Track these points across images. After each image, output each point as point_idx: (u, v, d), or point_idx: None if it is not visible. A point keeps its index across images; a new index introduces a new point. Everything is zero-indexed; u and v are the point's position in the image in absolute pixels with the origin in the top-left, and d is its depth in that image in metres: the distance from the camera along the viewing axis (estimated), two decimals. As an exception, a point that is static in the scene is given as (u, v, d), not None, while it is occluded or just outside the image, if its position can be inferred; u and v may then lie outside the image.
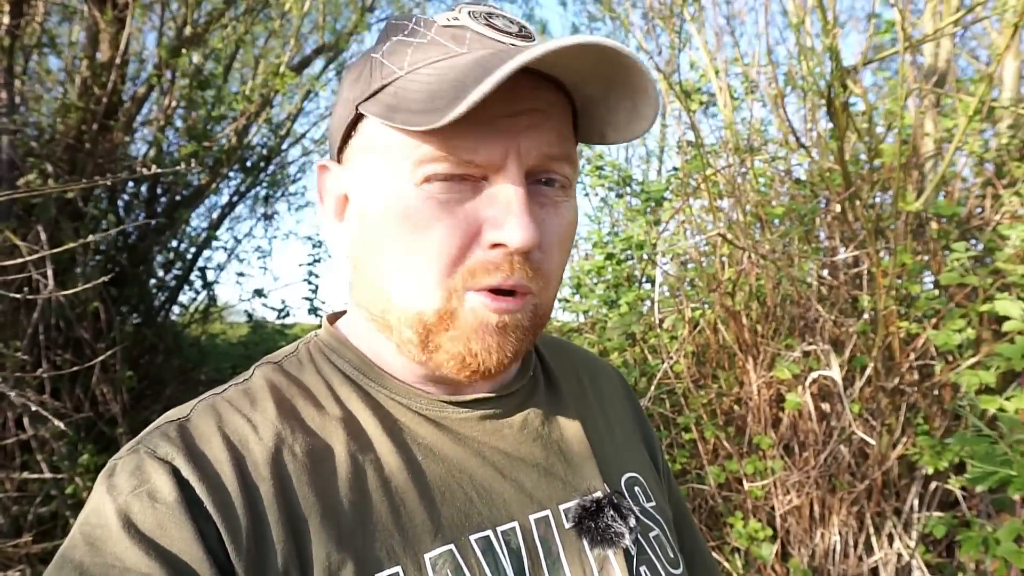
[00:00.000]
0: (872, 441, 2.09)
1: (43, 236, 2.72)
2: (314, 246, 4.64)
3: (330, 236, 0.65)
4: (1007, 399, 1.34)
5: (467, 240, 0.56)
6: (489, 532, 0.58)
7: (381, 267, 0.59)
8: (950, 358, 2.03)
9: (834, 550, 2.18)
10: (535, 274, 0.57)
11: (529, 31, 0.60)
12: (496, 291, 0.56)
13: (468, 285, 0.56)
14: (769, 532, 2.16)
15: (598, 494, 0.64)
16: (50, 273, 2.63)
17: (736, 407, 2.51)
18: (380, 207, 0.58)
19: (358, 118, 0.60)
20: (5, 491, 2.67)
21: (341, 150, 0.63)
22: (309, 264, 4.54)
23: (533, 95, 0.56)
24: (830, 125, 2.22)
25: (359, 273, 0.62)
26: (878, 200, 2.30)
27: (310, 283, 4.56)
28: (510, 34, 0.58)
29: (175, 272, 4.64)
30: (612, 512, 0.63)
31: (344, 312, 0.71)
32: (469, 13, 0.59)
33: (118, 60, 3.41)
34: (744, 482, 2.26)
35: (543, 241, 0.57)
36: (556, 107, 0.58)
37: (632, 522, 0.64)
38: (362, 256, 0.61)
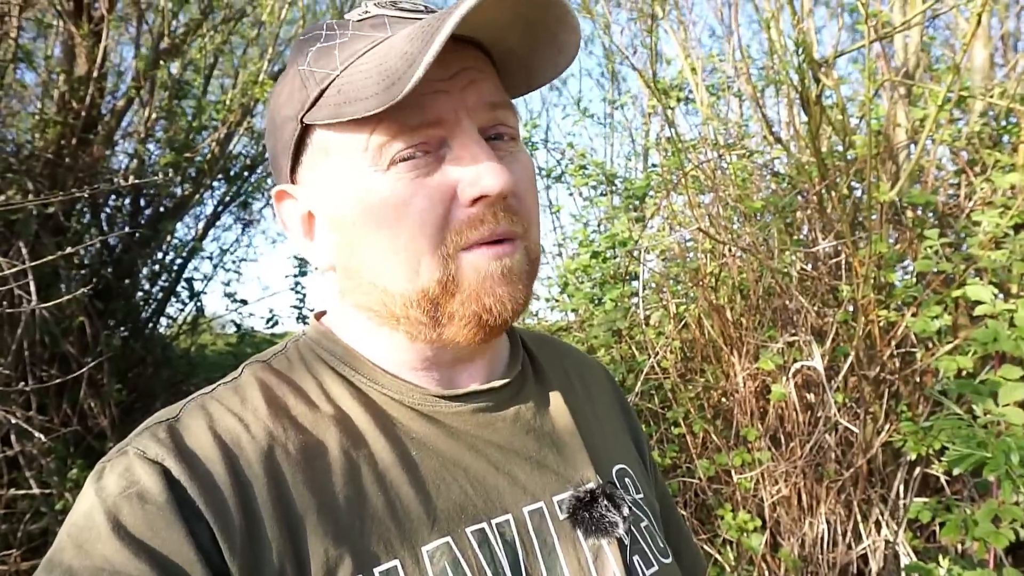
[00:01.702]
0: (856, 429, 2.11)
1: (24, 251, 2.71)
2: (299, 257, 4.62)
3: (307, 257, 0.66)
4: (980, 382, 1.36)
5: (446, 205, 0.57)
6: (484, 524, 0.58)
7: (372, 262, 0.59)
8: (930, 344, 2.06)
9: (823, 538, 2.20)
10: (517, 218, 0.59)
11: (432, 7, 0.62)
12: (487, 243, 0.58)
13: (459, 246, 0.57)
14: (758, 523, 2.18)
15: (591, 485, 0.65)
16: (33, 288, 2.61)
17: (723, 400, 2.53)
18: (354, 206, 0.58)
19: (304, 133, 0.61)
20: (-6, 509, 2.66)
21: (293, 170, 0.63)
22: (296, 275, 4.52)
23: (459, 57, 0.58)
24: (806, 118, 2.24)
25: (350, 278, 0.62)
26: (855, 190, 2.32)
27: (297, 292, 4.55)
28: (420, 11, 0.60)
29: (161, 284, 4.62)
30: (606, 502, 0.64)
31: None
32: (375, 3, 0.61)
33: (95, 74, 3.39)
34: (733, 474, 2.28)
35: (514, 188, 0.59)
36: (482, 62, 0.60)
37: (626, 511, 0.65)
38: (349, 260, 0.61)
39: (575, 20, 0.56)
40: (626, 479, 0.71)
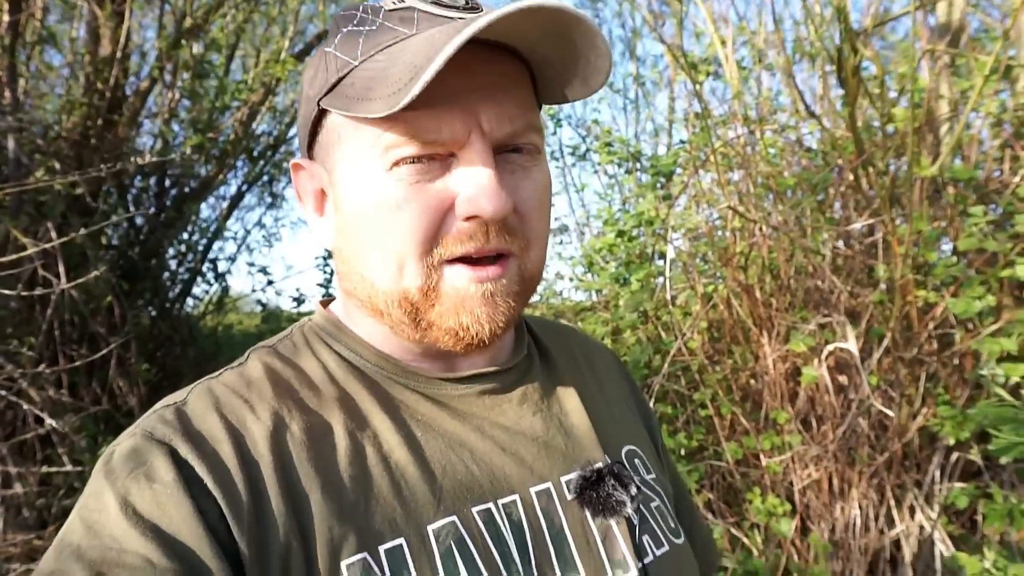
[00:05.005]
0: (891, 413, 2.05)
1: (53, 233, 2.73)
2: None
3: (315, 230, 0.67)
4: (1030, 366, 1.30)
5: (440, 215, 0.57)
6: (491, 504, 0.59)
7: (362, 254, 0.60)
8: (970, 326, 1.99)
9: (854, 524, 2.16)
10: (513, 237, 0.59)
11: (476, 2, 0.60)
12: (474, 261, 0.58)
13: (444, 257, 0.57)
14: (788, 507, 2.14)
15: (599, 464, 0.65)
16: (62, 269, 2.64)
17: (752, 382, 2.48)
18: (354, 197, 0.59)
19: (321, 114, 0.61)
20: (29, 485, 2.71)
21: (311, 147, 0.65)
22: (325, 255, 4.51)
23: (488, 68, 0.57)
24: (841, 92, 2.16)
25: (344, 263, 0.63)
26: (892, 167, 2.24)
27: (324, 271, 4.55)
28: (457, 8, 0.58)
29: (187, 264, 4.66)
30: (613, 481, 0.64)
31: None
32: None
33: (119, 54, 3.40)
34: (762, 457, 2.24)
35: (518, 205, 0.59)
36: (512, 77, 0.59)
37: (633, 490, 0.65)
38: (344, 246, 0.62)
39: (605, 45, 0.55)
40: (636, 460, 0.71)
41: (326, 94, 0.59)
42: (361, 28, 0.59)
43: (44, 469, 2.71)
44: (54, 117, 3.65)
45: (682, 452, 2.49)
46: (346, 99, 0.56)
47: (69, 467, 2.75)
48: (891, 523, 2.15)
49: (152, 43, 3.77)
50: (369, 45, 0.57)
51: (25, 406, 2.39)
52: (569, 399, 0.70)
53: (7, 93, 2.97)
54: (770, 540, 2.23)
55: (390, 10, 0.59)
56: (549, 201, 0.63)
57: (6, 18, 2.94)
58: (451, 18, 0.57)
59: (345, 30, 0.60)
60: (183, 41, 3.66)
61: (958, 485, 2.02)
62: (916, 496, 2.11)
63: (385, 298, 0.59)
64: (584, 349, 0.81)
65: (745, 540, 2.24)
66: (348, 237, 0.61)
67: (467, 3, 0.59)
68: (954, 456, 2.08)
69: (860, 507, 2.15)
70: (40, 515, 2.75)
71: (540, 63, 0.60)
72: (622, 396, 0.80)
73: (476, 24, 0.49)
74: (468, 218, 0.56)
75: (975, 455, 1.94)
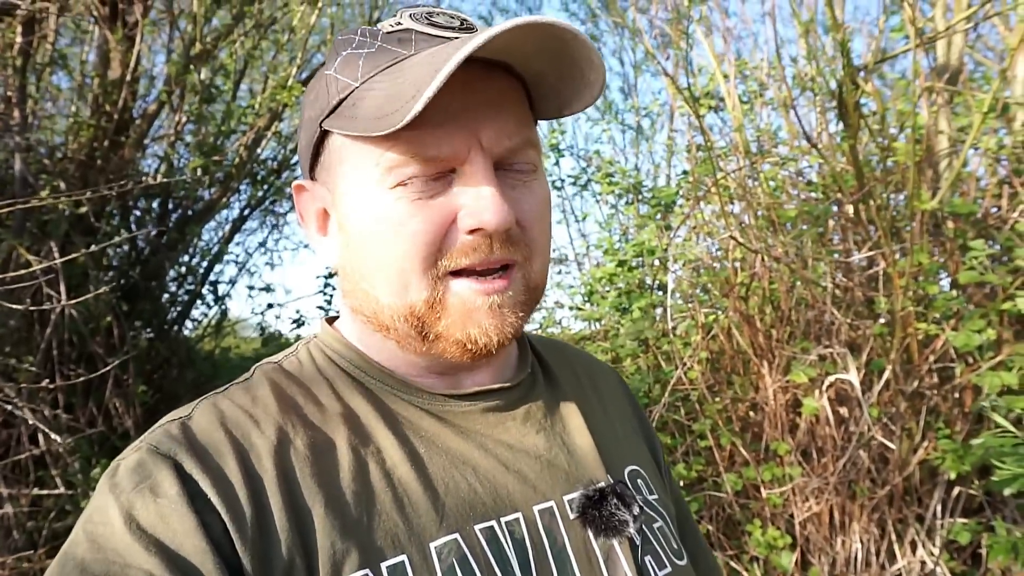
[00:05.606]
0: (892, 446, 2.05)
1: (56, 251, 2.74)
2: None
3: (318, 251, 0.68)
4: (1032, 399, 1.30)
5: (443, 230, 0.58)
6: (493, 523, 0.59)
7: (367, 271, 0.61)
8: (970, 360, 1.99)
9: (855, 558, 2.13)
10: (516, 247, 0.60)
11: (471, 23, 0.62)
12: (480, 273, 0.59)
13: (449, 268, 0.58)
14: (788, 540, 2.12)
15: (601, 484, 0.65)
16: (63, 288, 2.64)
17: (752, 413, 2.47)
18: (358, 215, 0.60)
19: (324, 135, 0.63)
20: (20, 506, 2.68)
21: (313, 168, 0.66)
22: (326, 276, 4.52)
23: (485, 85, 0.58)
24: (841, 126, 2.20)
25: (349, 280, 0.64)
26: (892, 201, 2.26)
27: (325, 294, 4.54)
28: (453, 28, 0.60)
29: (187, 287, 4.66)
30: (616, 500, 0.64)
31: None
32: (411, 16, 0.61)
33: (128, 78, 3.44)
34: (762, 489, 2.22)
35: (520, 218, 0.60)
36: (509, 93, 0.60)
37: (636, 510, 0.65)
38: (348, 264, 0.63)
39: (599, 59, 0.57)
40: (639, 480, 0.71)
41: (328, 115, 0.60)
42: (360, 51, 0.60)
43: (36, 491, 2.68)
44: (61, 138, 3.68)
45: (681, 483, 2.47)
46: (348, 120, 0.58)
47: (62, 489, 2.72)
48: (892, 558, 2.13)
49: (161, 67, 3.83)
50: (369, 67, 0.59)
51: (30, 420, 2.37)
52: (572, 418, 0.70)
53: (16, 113, 3.00)
54: (770, 573, 2.21)
55: (388, 32, 0.60)
56: (550, 214, 0.65)
57: (19, 40, 2.99)
58: (447, 38, 0.59)
59: (344, 53, 0.61)
60: (192, 66, 3.71)
61: (960, 520, 2.00)
62: (918, 531, 2.09)
63: (391, 313, 0.60)
64: (587, 368, 0.81)
65: (744, 573, 2.21)
66: (353, 255, 0.62)
67: (462, 24, 0.62)
68: (955, 491, 2.07)
69: (861, 541, 2.13)
70: (30, 537, 2.70)
71: (535, 78, 0.62)
72: (625, 416, 0.80)
73: (474, 42, 0.50)
74: (472, 231, 0.57)
75: (976, 490, 1.93)
